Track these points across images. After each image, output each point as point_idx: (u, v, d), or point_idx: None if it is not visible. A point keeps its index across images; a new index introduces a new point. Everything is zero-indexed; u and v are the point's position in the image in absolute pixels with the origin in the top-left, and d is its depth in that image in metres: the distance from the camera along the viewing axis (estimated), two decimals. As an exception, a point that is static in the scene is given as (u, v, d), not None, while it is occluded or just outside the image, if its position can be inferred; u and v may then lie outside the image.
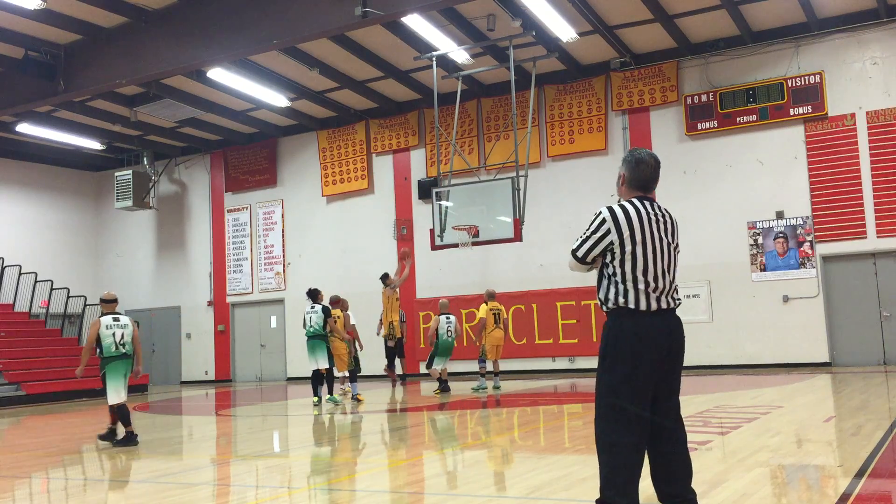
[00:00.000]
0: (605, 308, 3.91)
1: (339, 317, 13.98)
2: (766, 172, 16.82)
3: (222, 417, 13.13)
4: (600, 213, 3.99)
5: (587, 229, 3.98)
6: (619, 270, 3.86)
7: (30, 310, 21.54)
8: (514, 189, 15.22)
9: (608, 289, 3.90)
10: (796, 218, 16.53)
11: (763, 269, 16.74)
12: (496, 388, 14.65)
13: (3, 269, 21.78)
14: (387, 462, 7.31)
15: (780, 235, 16.65)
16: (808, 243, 16.41)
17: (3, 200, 22.75)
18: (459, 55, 16.53)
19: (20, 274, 21.83)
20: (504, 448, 7.84)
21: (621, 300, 3.83)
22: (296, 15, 13.96)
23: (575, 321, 18.12)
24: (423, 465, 7.09)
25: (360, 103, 20.39)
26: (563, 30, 15.30)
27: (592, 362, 17.25)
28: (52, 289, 21.67)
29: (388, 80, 18.78)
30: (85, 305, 21.93)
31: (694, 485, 5.33)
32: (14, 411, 15.76)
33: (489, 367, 15.05)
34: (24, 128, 20.02)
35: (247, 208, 22.71)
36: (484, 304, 14.59)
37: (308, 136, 21.86)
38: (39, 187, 23.54)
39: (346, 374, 14.09)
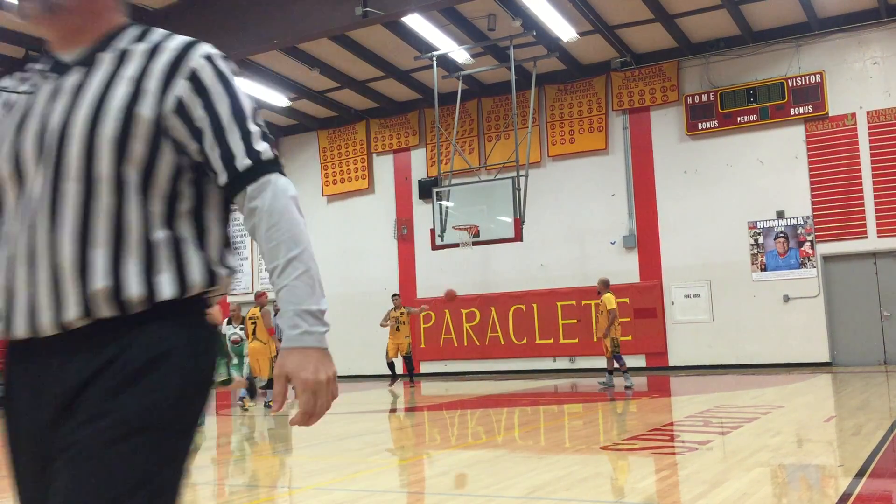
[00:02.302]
0: (156, 300, 1.57)
1: (256, 318, 12.89)
2: (766, 172, 16.81)
3: (222, 417, 13.12)
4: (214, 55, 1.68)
5: (240, 97, 1.67)
6: (211, 201, 1.69)
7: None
8: (514, 189, 15.23)
9: (189, 249, 1.63)
10: (797, 218, 16.53)
11: (763, 269, 16.74)
12: (610, 385, 13.43)
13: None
14: (387, 462, 7.31)
15: (781, 235, 16.64)
16: (808, 243, 16.41)
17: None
18: (460, 55, 16.53)
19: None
20: (504, 448, 7.84)
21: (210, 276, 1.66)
22: (296, 15, 13.96)
23: (575, 321, 18.11)
24: (423, 465, 7.09)
25: (361, 103, 20.39)
26: (564, 29, 15.30)
27: (593, 362, 17.36)
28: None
29: (389, 80, 18.78)
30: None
31: (694, 484, 5.34)
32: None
33: (603, 363, 13.84)
34: (25, 128, 20.03)
35: (247, 208, 22.70)
36: (611, 294, 13.34)
37: (308, 136, 21.86)
38: (40, 187, 23.53)
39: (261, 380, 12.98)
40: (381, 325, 16.56)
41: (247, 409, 12.76)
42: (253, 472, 7.23)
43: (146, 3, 14.62)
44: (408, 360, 16.46)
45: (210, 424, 11.47)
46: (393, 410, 12.99)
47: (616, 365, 13.31)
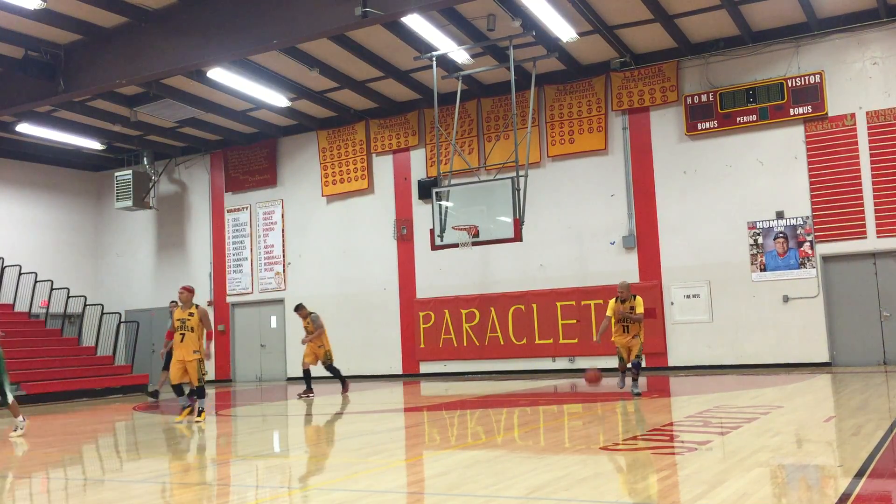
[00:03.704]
0: None
1: (186, 319, 11.58)
2: (766, 172, 16.82)
3: (222, 417, 13.12)
4: None
5: None
6: None
7: (30, 310, 21.53)
8: (513, 189, 15.22)
9: None
10: (796, 218, 16.53)
11: (763, 269, 16.74)
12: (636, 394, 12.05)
13: (3, 269, 21.78)
14: (387, 462, 7.31)
15: (780, 235, 16.65)
16: (808, 243, 16.41)
17: (3, 200, 22.73)
18: (459, 55, 16.53)
19: (20, 274, 21.83)
20: (504, 448, 7.84)
21: None
22: (296, 15, 13.96)
23: (575, 321, 18.12)
24: (423, 465, 7.09)
25: (360, 103, 20.39)
26: (563, 30, 15.30)
27: (593, 362, 17.34)
28: (52, 289, 21.66)
29: (388, 80, 18.78)
30: (85, 305, 21.92)
31: (694, 484, 5.34)
32: (14, 411, 15.73)
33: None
34: (25, 128, 20.02)
35: (247, 208, 22.71)
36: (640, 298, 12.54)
37: (308, 136, 21.87)
38: (40, 187, 23.53)
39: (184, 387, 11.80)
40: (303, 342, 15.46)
41: (196, 421, 11.37)
42: (254, 471, 7.23)
43: (146, 4, 14.61)
44: (330, 369, 15.40)
45: (209, 425, 11.48)
46: (391, 411, 12.98)
47: (630, 366, 12.21)
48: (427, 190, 18.36)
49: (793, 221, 16.56)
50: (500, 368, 18.96)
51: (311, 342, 15.18)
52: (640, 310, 12.29)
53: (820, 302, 16.28)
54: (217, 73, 16.77)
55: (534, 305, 18.62)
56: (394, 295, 20.31)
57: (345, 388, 15.53)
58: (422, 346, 19.78)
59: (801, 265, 16.45)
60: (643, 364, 12.71)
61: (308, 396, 15.06)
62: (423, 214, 19.49)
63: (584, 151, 18.47)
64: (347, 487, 5.98)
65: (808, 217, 16.43)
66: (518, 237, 15.36)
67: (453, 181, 16.88)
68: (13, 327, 20.48)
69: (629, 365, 12.24)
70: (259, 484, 6.62)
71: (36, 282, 21.70)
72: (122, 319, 22.30)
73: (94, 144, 22.20)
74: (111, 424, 12.94)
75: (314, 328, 15.15)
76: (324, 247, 21.49)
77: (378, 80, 18.89)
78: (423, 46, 16.09)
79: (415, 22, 14.69)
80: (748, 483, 5.31)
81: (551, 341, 18.51)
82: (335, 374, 15.49)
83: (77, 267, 24.14)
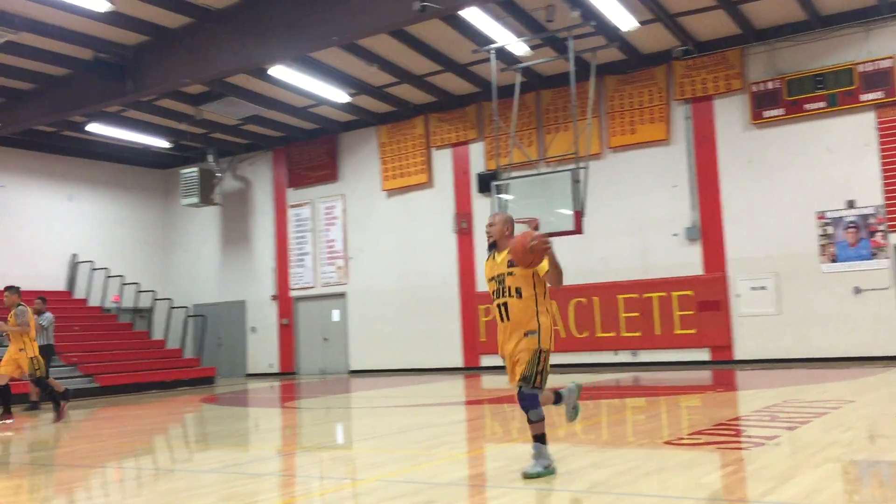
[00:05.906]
0: None
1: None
2: (835, 160, 16.34)
3: (287, 409, 13.35)
4: None
5: None
6: None
7: (102, 304, 22.21)
8: (574, 181, 15.11)
9: None
10: (868, 207, 16.03)
11: (833, 261, 16.28)
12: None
13: (77, 264, 22.52)
14: (449, 455, 7.34)
15: (851, 225, 16.17)
16: (880, 233, 15.90)
17: (75, 198, 23.48)
18: (518, 47, 16.44)
19: (93, 269, 22.54)
20: (566, 442, 7.80)
21: None
22: (355, 11, 14.07)
23: (637, 314, 17.90)
24: (485, 458, 7.11)
25: (419, 98, 20.47)
26: (624, 19, 15.08)
27: (655, 356, 17.15)
28: (123, 284, 22.30)
29: (447, 74, 18.80)
30: (155, 300, 22.52)
31: (761, 480, 5.23)
32: (88, 402, 16.29)
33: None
34: (94, 127, 20.60)
35: (308, 203, 23.02)
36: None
37: (368, 132, 22.04)
38: (110, 185, 24.23)
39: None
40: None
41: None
42: (318, 463, 7.34)
43: (209, 4, 14.90)
44: (39, 384, 12.25)
45: (276, 416, 11.69)
46: (453, 404, 13.03)
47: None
48: (486, 183, 18.34)
49: (864, 210, 16.06)
50: (562, 362, 18.82)
51: (11, 344, 12.07)
52: (541, 267, 6.05)
53: (893, 294, 15.76)
54: (278, 71, 17.01)
55: (595, 298, 18.46)
56: (454, 288, 20.36)
57: (59, 415, 11.90)
58: (482, 339, 19.78)
59: (874, 255, 15.95)
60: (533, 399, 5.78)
61: (5, 422, 11.77)
62: (482, 208, 19.48)
63: (646, 142, 18.21)
64: (410, 479, 6.03)
65: (880, 206, 15.91)
66: (579, 230, 15.24)
67: (513, 174, 16.82)
68: (87, 321, 21.20)
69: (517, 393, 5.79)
70: (323, 475, 6.72)
71: (108, 277, 22.38)
72: (190, 313, 22.86)
73: (162, 143, 22.74)
74: (180, 416, 13.28)
75: (16, 323, 11.94)
76: (384, 241, 21.66)
77: (436, 74, 18.93)
78: (481, 39, 16.06)
79: (473, 15, 14.66)
80: (818, 479, 5.18)
81: (613, 334, 18.33)
82: (46, 393, 12.23)
83: (147, 262, 24.80)
